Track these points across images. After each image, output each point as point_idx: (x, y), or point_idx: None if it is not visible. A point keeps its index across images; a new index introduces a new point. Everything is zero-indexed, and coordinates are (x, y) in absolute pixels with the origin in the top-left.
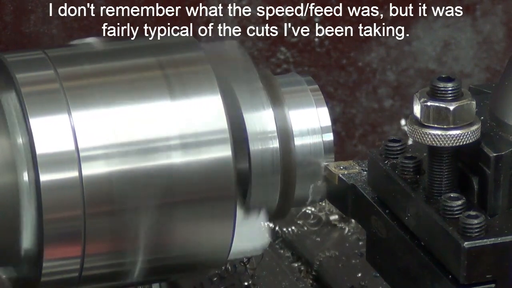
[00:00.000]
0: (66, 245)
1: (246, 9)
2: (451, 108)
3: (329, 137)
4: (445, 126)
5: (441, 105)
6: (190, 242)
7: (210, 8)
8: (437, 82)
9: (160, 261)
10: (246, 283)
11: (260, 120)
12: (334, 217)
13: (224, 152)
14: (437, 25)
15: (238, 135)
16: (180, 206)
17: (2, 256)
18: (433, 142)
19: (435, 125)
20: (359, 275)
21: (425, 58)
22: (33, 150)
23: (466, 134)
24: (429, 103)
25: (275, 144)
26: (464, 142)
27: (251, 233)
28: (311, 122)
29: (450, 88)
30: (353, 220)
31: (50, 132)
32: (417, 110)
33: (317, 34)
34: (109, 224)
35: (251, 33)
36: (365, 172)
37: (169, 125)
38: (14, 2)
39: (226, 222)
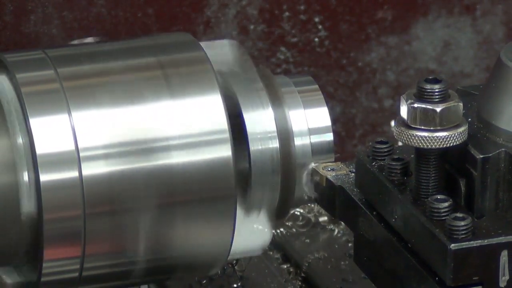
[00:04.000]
0: (66, 245)
1: (246, 9)
2: (438, 109)
3: (329, 137)
4: (432, 128)
5: (428, 106)
6: (190, 242)
7: (210, 8)
8: (424, 84)
9: (160, 261)
10: (235, 285)
11: (260, 120)
12: (323, 219)
13: (224, 152)
14: (437, 25)
15: (238, 135)
16: (180, 206)
17: (2, 256)
18: (420, 144)
19: (422, 127)
20: (348, 276)
21: (425, 58)
22: (33, 150)
23: (453, 136)
24: (416, 105)
25: (275, 144)
26: (451, 144)
27: (251, 233)
28: (311, 122)
29: (437, 90)
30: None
31: (50, 132)
32: (404, 111)
33: (317, 34)
34: (109, 224)
35: (251, 33)
36: (353, 174)
37: (169, 125)
38: (14, 2)
39: (226, 222)
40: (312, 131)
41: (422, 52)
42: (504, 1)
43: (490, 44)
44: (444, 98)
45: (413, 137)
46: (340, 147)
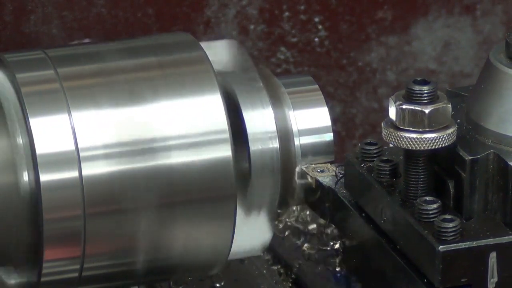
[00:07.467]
0: (66, 245)
1: (246, 9)
2: (427, 111)
3: (329, 137)
4: (420, 129)
5: (417, 108)
6: (190, 242)
7: (210, 8)
8: (412, 85)
9: (160, 261)
10: (217, 284)
11: (260, 120)
12: (312, 226)
13: (224, 152)
14: (437, 25)
15: (238, 135)
16: (180, 206)
17: (2, 256)
18: (409, 146)
19: (411, 128)
20: (338, 278)
21: (425, 58)
22: (33, 150)
23: (441, 137)
24: (404, 106)
25: (275, 144)
26: (440, 146)
27: (251, 233)
28: (311, 122)
29: (425, 91)
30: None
31: (50, 132)
32: (392, 113)
33: (317, 34)
34: (109, 224)
35: (251, 33)
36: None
37: (169, 125)
38: (14, 2)
39: (226, 222)
40: (312, 131)
41: (422, 52)
42: (504, 1)
43: (490, 44)
44: (432, 100)
45: (401, 139)
46: (340, 147)
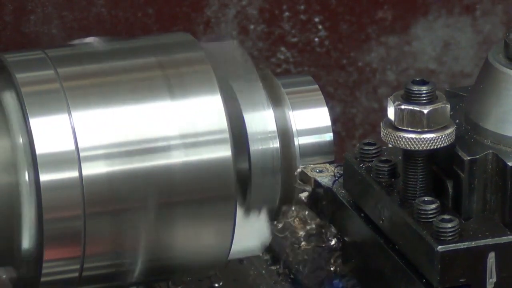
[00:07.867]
0: (66, 245)
1: (246, 9)
2: (425, 111)
3: (329, 137)
4: (419, 130)
5: (415, 108)
6: (190, 242)
7: (210, 8)
8: (411, 85)
9: (160, 261)
10: (216, 284)
11: (260, 120)
12: (311, 226)
13: (224, 152)
14: (437, 25)
15: (238, 135)
16: (180, 206)
17: (2, 256)
18: (407, 146)
19: (409, 129)
20: (337, 278)
21: (425, 58)
22: (33, 150)
23: (440, 137)
24: (403, 107)
25: (275, 144)
26: (439, 146)
27: (251, 232)
28: (311, 122)
29: (424, 91)
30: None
31: (50, 132)
32: (391, 113)
33: (317, 34)
34: (109, 224)
35: (251, 33)
36: (338, 174)
37: (169, 125)
38: (14, 2)
39: (226, 222)
40: (312, 131)
41: (422, 52)
42: (504, 1)
43: (490, 44)
44: (431, 100)
45: (400, 139)
46: (340, 147)
